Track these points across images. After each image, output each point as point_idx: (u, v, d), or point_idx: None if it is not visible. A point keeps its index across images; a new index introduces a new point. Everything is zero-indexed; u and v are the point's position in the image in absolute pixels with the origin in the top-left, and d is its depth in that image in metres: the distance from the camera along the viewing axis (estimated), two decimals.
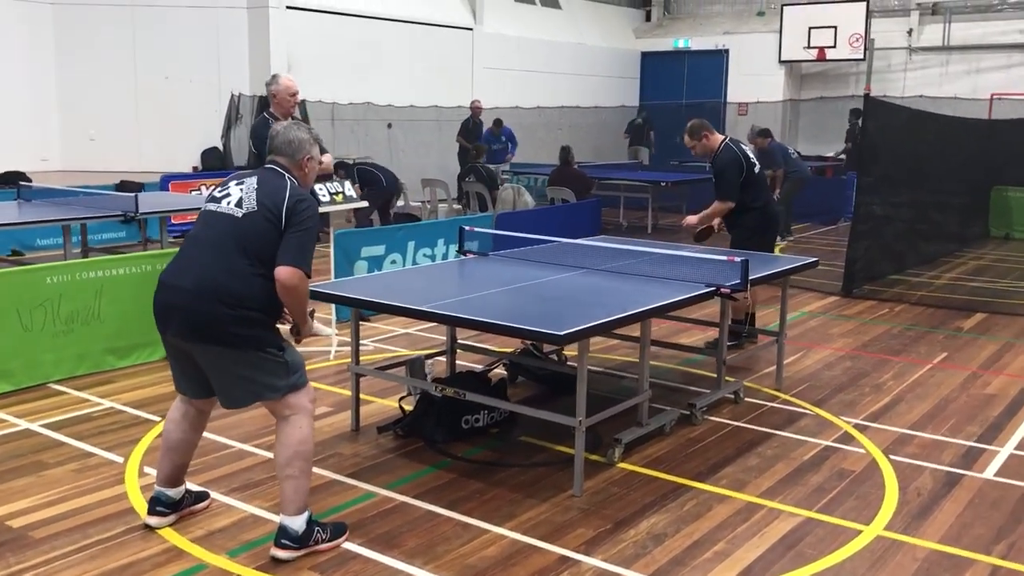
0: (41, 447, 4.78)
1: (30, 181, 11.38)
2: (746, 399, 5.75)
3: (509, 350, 6.18)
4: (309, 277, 3.57)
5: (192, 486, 4.06)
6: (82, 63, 13.93)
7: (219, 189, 3.76)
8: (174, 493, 3.90)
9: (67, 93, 14.00)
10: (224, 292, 3.47)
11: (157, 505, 3.87)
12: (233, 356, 3.53)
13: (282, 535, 3.62)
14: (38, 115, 13.72)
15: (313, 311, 3.81)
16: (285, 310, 3.63)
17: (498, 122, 15.49)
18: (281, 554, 3.60)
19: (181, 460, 3.89)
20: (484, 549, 3.76)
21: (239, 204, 3.60)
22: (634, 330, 5.06)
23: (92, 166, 13.26)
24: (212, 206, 3.69)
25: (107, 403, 5.48)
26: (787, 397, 5.86)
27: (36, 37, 13.71)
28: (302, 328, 3.73)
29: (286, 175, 3.70)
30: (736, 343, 6.64)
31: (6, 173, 11.78)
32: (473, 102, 15.68)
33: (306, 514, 3.65)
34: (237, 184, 3.71)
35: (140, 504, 4.08)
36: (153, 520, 3.86)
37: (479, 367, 5.96)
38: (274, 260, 3.50)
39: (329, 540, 3.71)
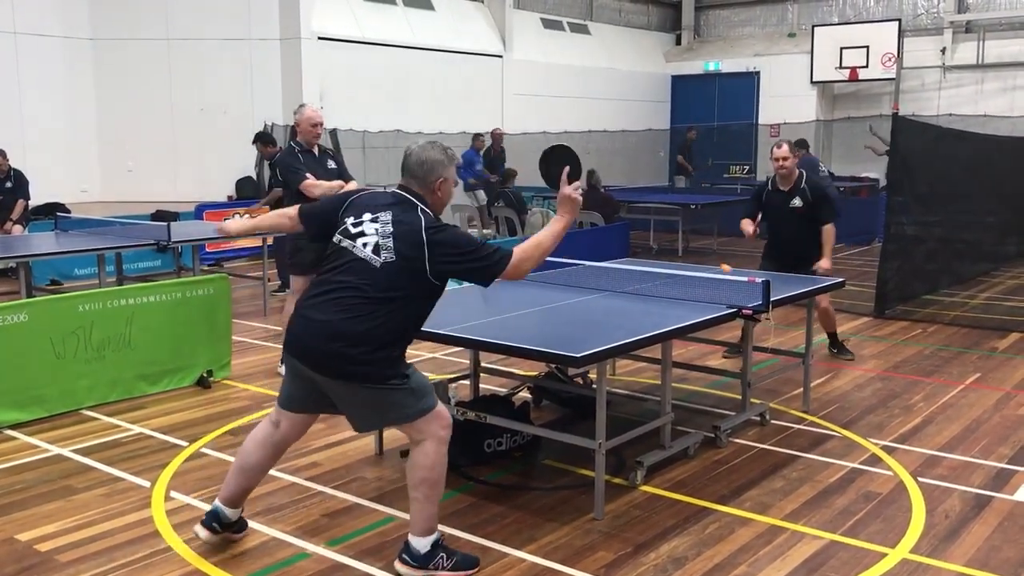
0: (71, 472, 4.87)
1: (69, 212, 11.64)
2: (772, 421, 5.71)
3: (533, 373, 6.19)
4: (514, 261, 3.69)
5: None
6: (120, 96, 14.24)
7: (353, 220, 3.62)
8: (231, 514, 3.88)
9: (106, 125, 14.32)
10: (352, 335, 3.44)
11: (213, 521, 3.84)
12: (359, 390, 3.52)
13: (405, 551, 3.67)
14: (78, 147, 14.03)
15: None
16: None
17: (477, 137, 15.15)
18: (401, 569, 3.66)
19: (249, 484, 3.88)
20: (504, 572, 3.76)
21: (376, 251, 3.51)
22: (658, 352, 5.06)
23: (130, 196, 13.53)
24: (348, 244, 3.58)
25: (137, 428, 5.56)
26: (814, 419, 5.80)
27: (76, 72, 14.06)
28: None
29: (418, 205, 3.61)
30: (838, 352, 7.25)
31: (45, 204, 12.04)
32: (495, 130, 15.72)
33: (433, 536, 3.65)
34: (372, 220, 3.58)
35: (166, 528, 4.13)
36: (204, 533, 3.84)
37: (503, 391, 5.97)
38: (414, 293, 3.54)
39: (452, 568, 3.66)
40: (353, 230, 3.59)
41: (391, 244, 3.51)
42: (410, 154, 3.65)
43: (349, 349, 3.43)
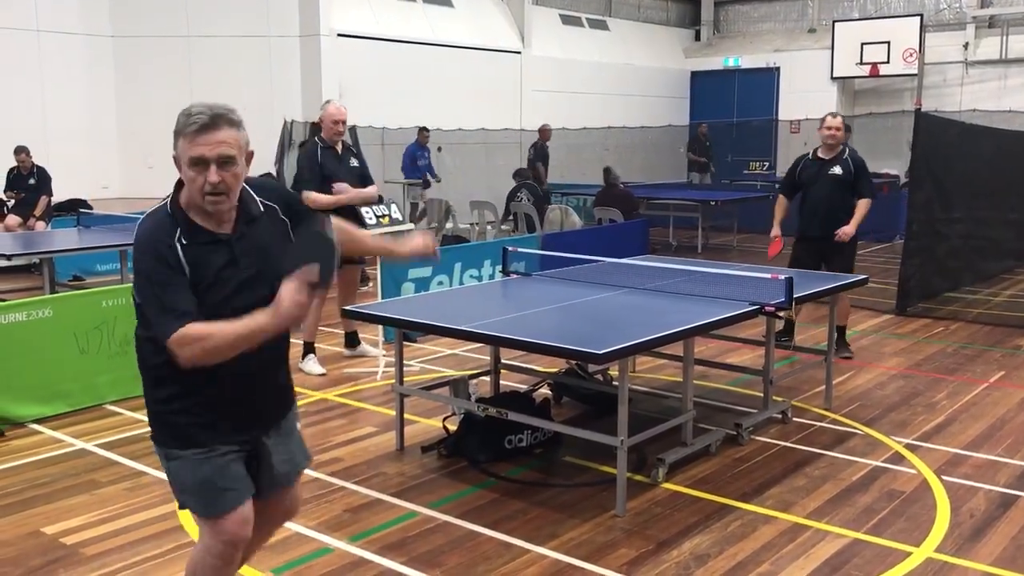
0: (95, 466, 4.90)
1: (91, 208, 11.72)
2: (794, 419, 5.67)
3: (554, 370, 6.19)
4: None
5: None
6: (140, 93, 14.31)
7: None
8: None
9: (126, 122, 14.40)
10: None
11: None
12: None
13: None
14: (99, 144, 14.12)
15: None
16: None
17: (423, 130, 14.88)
18: None
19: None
20: (525, 569, 3.76)
21: None
22: (680, 349, 5.04)
23: (150, 193, 13.56)
24: None
25: None
26: (837, 417, 5.77)
27: (96, 69, 14.14)
28: None
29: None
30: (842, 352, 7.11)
31: (68, 201, 12.13)
32: (543, 126, 15.73)
33: None
34: None
35: (189, 522, 4.15)
36: None
37: (523, 387, 5.97)
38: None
39: None
40: None
41: None
42: None
43: None
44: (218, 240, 2.54)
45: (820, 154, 7.12)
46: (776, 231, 7.20)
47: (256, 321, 2.45)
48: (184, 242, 2.48)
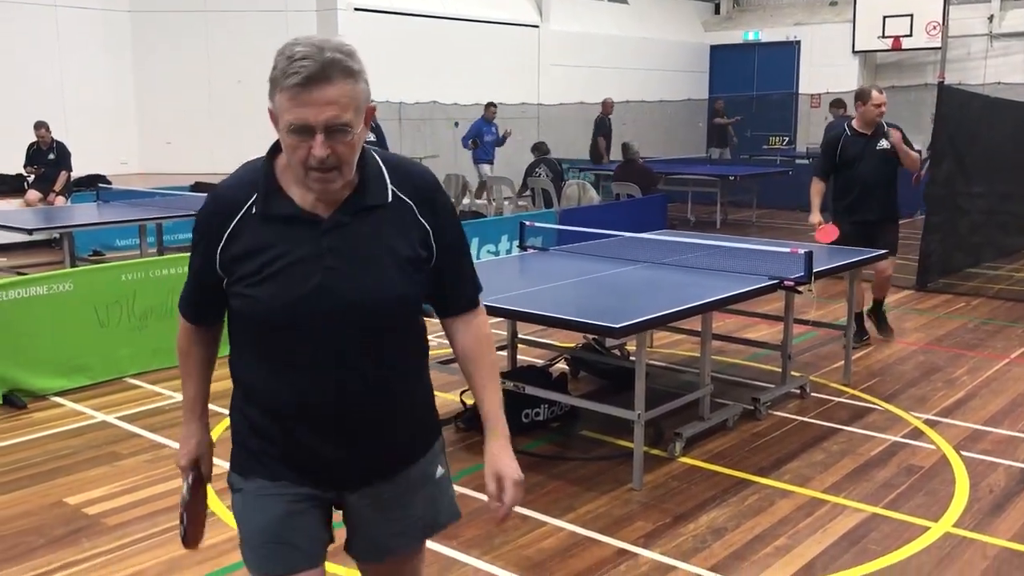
0: (116, 438, 4.95)
1: (110, 184, 11.78)
2: (813, 394, 5.65)
3: (571, 345, 6.18)
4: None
5: None
6: (158, 69, 14.33)
7: None
8: None
9: (144, 98, 14.42)
10: None
11: None
12: None
13: None
14: (117, 120, 14.15)
15: None
16: None
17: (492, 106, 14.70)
18: None
19: None
20: (542, 541, 3.77)
21: None
22: (698, 324, 5.02)
23: (169, 169, 13.64)
24: None
25: (179, 396, 5.62)
26: (855, 392, 5.74)
27: (114, 44, 14.15)
28: None
29: None
30: (859, 342, 6.69)
31: (87, 176, 12.19)
32: (605, 99, 15.66)
33: None
34: None
35: (209, 493, 4.18)
36: None
37: (540, 362, 5.97)
38: None
39: None
40: None
41: None
42: None
43: None
44: (301, 219, 1.85)
45: (860, 129, 6.72)
46: (817, 217, 6.69)
47: (195, 416, 2.16)
48: (255, 211, 1.86)
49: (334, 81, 1.73)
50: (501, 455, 2.03)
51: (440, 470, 2.12)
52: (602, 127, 15.46)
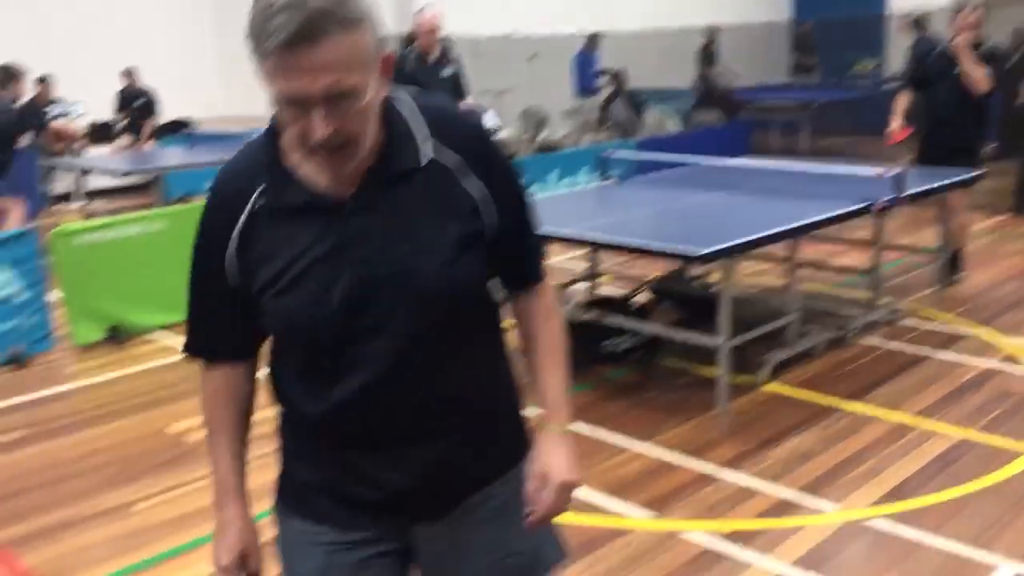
0: None
1: (193, 128, 12.03)
2: (903, 320, 5.53)
3: (653, 276, 6.15)
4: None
5: None
6: (238, 9, 14.48)
7: None
8: None
9: (225, 40, 14.60)
10: None
11: None
12: None
13: None
14: (198, 64, 14.37)
15: None
16: None
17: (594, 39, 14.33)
18: None
19: None
20: (627, 465, 3.82)
21: None
22: (783, 251, 4.94)
23: (251, 112, 13.83)
24: None
25: None
26: (948, 317, 5.60)
27: None
28: None
29: None
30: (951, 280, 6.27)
31: (171, 122, 12.46)
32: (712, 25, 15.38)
33: None
34: None
35: None
36: None
37: (622, 292, 5.96)
38: None
39: None
40: None
41: None
42: None
43: None
44: (318, 205, 1.43)
45: (949, 50, 6.21)
46: (898, 123, 6.35)
47: (229, 483, 1.65)
48: (263, 203, 1.45)
49: (327, 38, 1.26)
50: (554, 451, 1.59)
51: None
52: (709, 56, 15.07)
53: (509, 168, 1.55)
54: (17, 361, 5.37)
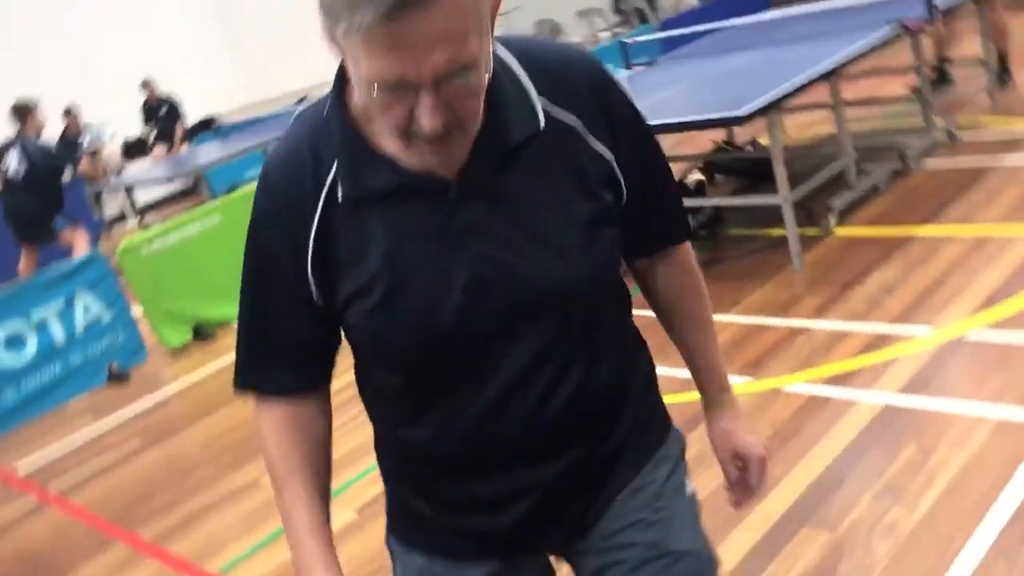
0: None
1: (220, 123, 12.16)
2: (962, 136, 5.40)
3: (702, 152, 6.09)
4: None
5: None
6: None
7: None
8: None
9: (231, 27, 14.59)
10: None
11: None
12: None
13: None
14: (211, 57, 14.43)
15: None
16: None
17: None
18: None
19: None
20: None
21: None
22: (826, 96, 4.84)
23: (271, 93, 13.88)
24: None
25: None
26: (1004, 122, 5.44)
27: None
28: None
29: None
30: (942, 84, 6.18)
31: (199, 123, 12.59)
32: None
33: None
34: None
35: None
36: None
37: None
38: None
39: None
40: None
41: None
42: None
43: None
44: (413, 189, 1.12)
45: None
46: None
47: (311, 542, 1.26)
48: (340, 194, 1.13)
49: (435, 3, 0.92)
50: (738, 429, 1.43)
51: (688, 485, 1.39)
52: None
53: (634, 111, 1.26)
54: (118, 377, 5.60)
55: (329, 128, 1.14)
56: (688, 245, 1.38)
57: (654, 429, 1.37)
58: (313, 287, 1.17)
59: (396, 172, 1.10)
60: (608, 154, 1.19)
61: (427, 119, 1.00)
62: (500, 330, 1.16)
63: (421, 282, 1.13)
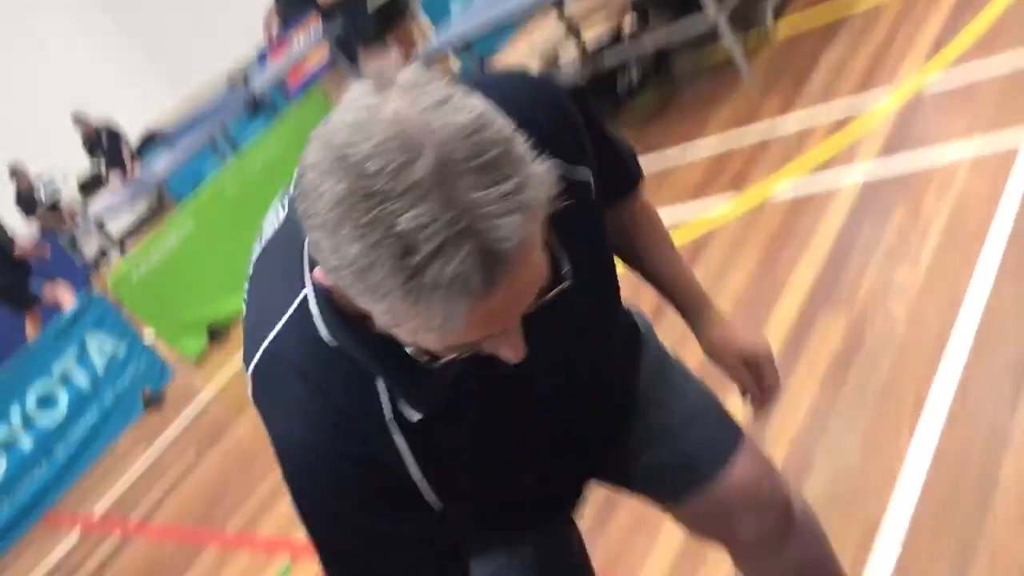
0: None
1: (161, 132, 12.02)
2: None
3: None
4: None
5: None
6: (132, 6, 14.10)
7: None
8: None
9: (136, 41, 14.28)
10: None
11: None
12: None
13: None
14: (121, 68, 14.12)
15: None
16: None
17: None
18: None
19: None
20: (694, 170, 3.90)
21: None
22: None
23: (186, 90, 13.58)
24: None
25: None
26: None
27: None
28: None
29: None
30: None
31: (143, 139, 12.43)
32: None
33: None
34: None
35: None
36: None
37: (607, 30, 5.87)
38: None
39: None
40: None
41: None
42: None
43: None
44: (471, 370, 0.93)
45: None
46: None
47: None
48: (414, 415, 0.98)
49: (521, 253, 0.76)
50: (733, 333, 1.39)
51: (662, 345, 1.43)
52: None
53: (592, 114, 1.16)
54: (153, 401, 5.72)
55: (342, 353, 0.94)
56: (642, 189, 1.34)
57: (635, 340, 1.37)
58: (434, 501, 1.04)
59: (451, 365, 0.87)
60: (589, 170, 1.09)
61: (514, 353, 0.87)
62: (566, 409, 1.17)
63: (500, 408, 1.05)
